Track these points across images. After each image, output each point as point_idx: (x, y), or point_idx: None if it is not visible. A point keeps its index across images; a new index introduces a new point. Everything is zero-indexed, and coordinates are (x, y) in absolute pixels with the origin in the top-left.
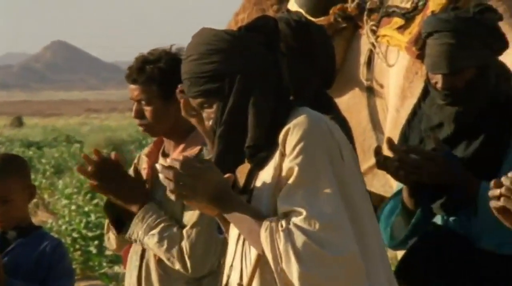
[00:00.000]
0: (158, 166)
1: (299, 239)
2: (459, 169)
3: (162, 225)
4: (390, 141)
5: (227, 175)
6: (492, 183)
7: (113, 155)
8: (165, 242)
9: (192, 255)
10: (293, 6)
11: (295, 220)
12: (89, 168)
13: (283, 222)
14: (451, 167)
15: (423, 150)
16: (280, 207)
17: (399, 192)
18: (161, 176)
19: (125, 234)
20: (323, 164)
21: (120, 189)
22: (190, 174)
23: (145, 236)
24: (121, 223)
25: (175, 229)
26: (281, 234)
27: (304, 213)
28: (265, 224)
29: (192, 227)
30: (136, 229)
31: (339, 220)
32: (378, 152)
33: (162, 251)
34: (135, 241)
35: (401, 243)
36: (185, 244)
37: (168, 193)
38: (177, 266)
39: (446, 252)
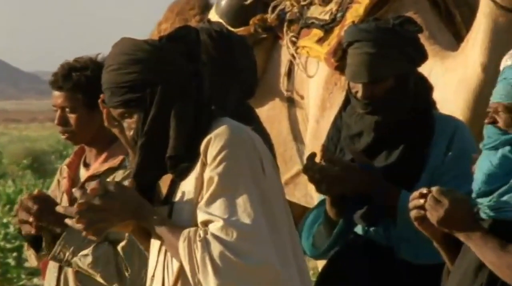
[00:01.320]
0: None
1: (216, 249)
2: (379, 179)
3: (93, 244)
4: (324, 149)
5: (128, 181)
6: (415, 193)
7: (36, 192)
8: (100, 262)
9: (130, 271)
10: (214, 16)
11: (213, 229)
12: (30, 218)
13: (201, 232)
14: (371, 177)
15: (343, 161)
16: (200, 216)
17: (322, 202)
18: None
19: (45, 251)
20: (243, 174)
21: (55, 218)
22: (99, 205)
23: (75, 256)
24: (39, 240)
25: (106, 246)
26: (199, 244)
27: (222, 222)
28: (184, 234)
29: (126, 242)
30: (63, 250)
31: (257, 229)
32: (310, 158)
33: (98, 271)
34: (61, 261)
35: (323, 253)
36: (121, 261)
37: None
38: (115, 284)
39: (366, 262)
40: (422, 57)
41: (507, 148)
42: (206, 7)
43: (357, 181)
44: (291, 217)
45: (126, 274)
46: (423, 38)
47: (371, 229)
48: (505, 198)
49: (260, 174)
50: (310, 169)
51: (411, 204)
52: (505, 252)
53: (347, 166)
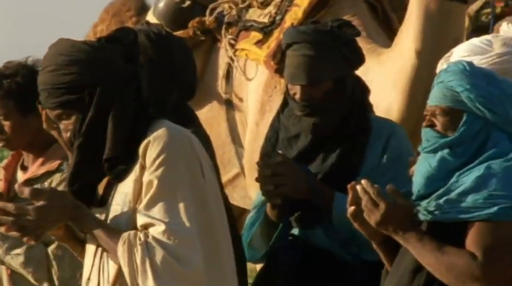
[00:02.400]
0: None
1: (158, 253)
2: (314, 182)
3: (26, 244)
4: (267, 154)
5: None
6: (350, 186)
7: None
8: (32, 263)
9: (61, 275)
10: (152, 18)
11: (154, 233)
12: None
13: (141, 235)
14: (307, 180)
15: (283, 161)
16: (139, 219)
17: (261, 203)
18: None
19: None
20: (182, 178)
21: None
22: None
23: (7, 255)
24: None
25: (39, 248)
26: (139, 247)
27: (164, 226)
28: (123, 237)
29: (57, 244)
30: None
31: (193, 234)
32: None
33: (29, 271)
34: None
35: (262, 257)
36: (53, 264)
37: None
38: (45, 285)
39: (305, 264)
40: (359, 60)
41: (446, 151)
42: (143, 9)
43: (296, 182)
44: (227, 222)
45: (55, 276)
46: (360, 39)
47: (310, 231)
48: (442, 200)
49: (199, 177)
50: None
51: (349, 201)
52: (442, 253)
53: (288, 166)
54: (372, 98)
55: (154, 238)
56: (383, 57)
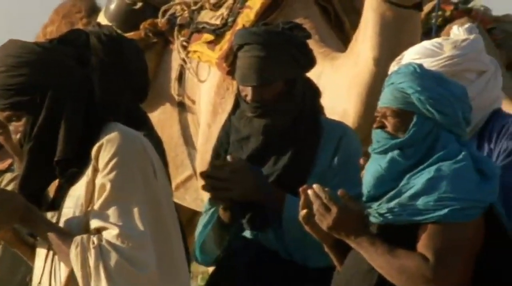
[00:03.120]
0: None
1: (112, 256)
2: (265, 184)
3: None
4: (214, 159)
5: (14, 184)
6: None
7: None
8: None
9: (1, 274)
10: (103, 20)
11: (108, 236)
12: None
13: (95, 239)
14: (256, 183)
15: (234, 163)
16: (92, 222)
17: (214, 204)
18: None
19: None
20: (136, 181)
21: None
22: None
23: None
24: None
25: None
26: (93, 251)
27: (117, 230)
28: (76, 240)
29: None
30: None
31: (147, 238)
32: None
33: None
34: None
35: (215, 258)
36: None
37: None
38: None
39: (257, 267)
40: (311, 62)
41: (396, 152)
42: (93, 10)
43: (244, 186)
44: (179, 225)
45: None
46: (313, 42)
47: (261, 234)
48: (393, 202)
49: (152, 180)
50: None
51: (301, 204)
52: (393, 256)
53: (238, 168)
54: (327, 103)
55: (107, 242)
56: (337, 62)
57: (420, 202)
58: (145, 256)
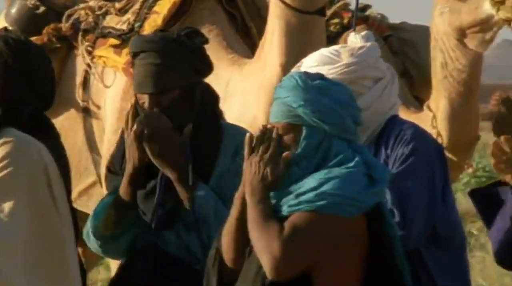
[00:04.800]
0: None
1: None
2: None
3: None
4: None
5: None
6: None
7: None
8: None
9: None
10: (3, 24)
11: None
12: None
13: None
14: (184, 160)
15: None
16: None
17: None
18: None
19: None
20: (21, 185)
21: None
22: None
23: None
24: None
25: None
26: None
27: None
28: None
29: None
30: None
31: (15, 242)
32: None
33: None
34: None
35: (109, 240)
36: None
37: None
38: None
39: (157, 274)
40: (208, 67)
41: (291, 167)
42: None
43: (175, 153)
44: (72, 231)
45: None
46: (220, 48)
47: (163, 236)
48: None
49: (41, 187)
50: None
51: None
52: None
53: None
54: (236, 110)
55: None
56: (246, 69)
57: (304, 197)
58: (3, 260)
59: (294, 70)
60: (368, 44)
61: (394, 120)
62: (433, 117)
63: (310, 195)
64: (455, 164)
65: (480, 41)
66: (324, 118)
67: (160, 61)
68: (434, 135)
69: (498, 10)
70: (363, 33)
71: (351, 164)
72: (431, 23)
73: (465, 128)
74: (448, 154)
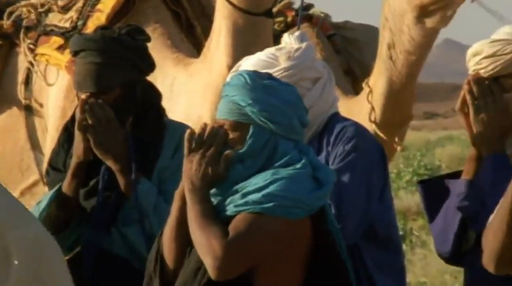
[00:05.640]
0: None
1: None
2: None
3: None
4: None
5: None
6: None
7: None
8: None
9: None
10: None
11: None
12: None
13: None
14: (125, 149)
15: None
16: None
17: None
18: None
19: None
20: None
21: None
22: None
23: None
24: None
25: None
26: None
27: None
28: None
29: None
30: None
31: None
32: None
33: None
34: None
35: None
36: None
37: None
38: None
39: (100, 274)
40: (150, 66)
41: (237, 164)
42: None
43: (118, 145)
44: None
45: None
46: (165, 47)
47: (106, 236)
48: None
49: None
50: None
51: None
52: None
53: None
54: (182, 109)
55: None
56: (191, 69)
57: (250, 197)
58: None
59: (233, 70)
60: (304, 45)
61: (335, 118)
62: (369, 92)
63: (257, 196)
64: (385, 143)
65: (442, 18)
66: (271, 117)
67: (101, 60)
68: (368, 110)
69: None
70: (297, 33)
71: (298, 165)
72: (383, 2)
73: (398, 108)
74: (379, 132)
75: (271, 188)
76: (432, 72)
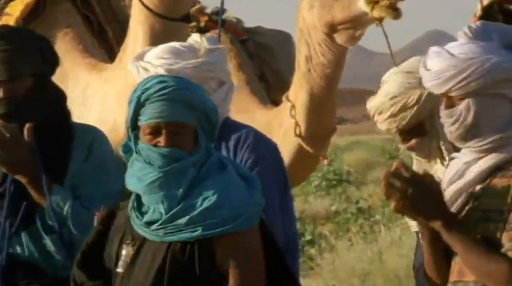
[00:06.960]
0: None
1: None
2: (38, 166)
3: None
4: None
5: None
6: None
7: None
8: None
9: None
10: None
11: None
12: None
13: None
14: (29, 159)
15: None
16: None
17: None
18: None
19: None
20: None
21: None
22: None
23: None
24: None
25: None
26: None
27: None
28: None
29: None
30: None
31: None
32: None
33: None
34: None
35: None
36: None
37: None
38: None
39: (8, 280)
40: (56, 60)
41: (192, 169)
42: None
43: (18, 156)
44: None
45: None
46: (77, 52)
47: (19, 244)
48: (185, 219)
49: None
50: None
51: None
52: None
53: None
54: (97, 114)
55: None
56: (106, 74)
57: (215, 215)
58: None
59: (135, 61)
60: (221, 46)
61: (228, 123)
62: (292, 107)
63: (223, 214)
64: (311, 155)
65: (350, 37)
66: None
67: (10, 47)
68: (292, 126)
69: (372, 9)
70: (207, 35)
71: (225, 163)
72: (297, 14)
73: (322, 120)
74: (305, 145)
75: (228, 202)
76: (340, 78)
